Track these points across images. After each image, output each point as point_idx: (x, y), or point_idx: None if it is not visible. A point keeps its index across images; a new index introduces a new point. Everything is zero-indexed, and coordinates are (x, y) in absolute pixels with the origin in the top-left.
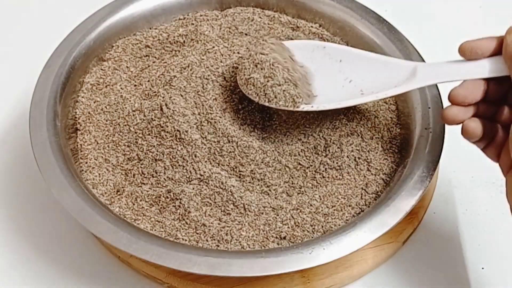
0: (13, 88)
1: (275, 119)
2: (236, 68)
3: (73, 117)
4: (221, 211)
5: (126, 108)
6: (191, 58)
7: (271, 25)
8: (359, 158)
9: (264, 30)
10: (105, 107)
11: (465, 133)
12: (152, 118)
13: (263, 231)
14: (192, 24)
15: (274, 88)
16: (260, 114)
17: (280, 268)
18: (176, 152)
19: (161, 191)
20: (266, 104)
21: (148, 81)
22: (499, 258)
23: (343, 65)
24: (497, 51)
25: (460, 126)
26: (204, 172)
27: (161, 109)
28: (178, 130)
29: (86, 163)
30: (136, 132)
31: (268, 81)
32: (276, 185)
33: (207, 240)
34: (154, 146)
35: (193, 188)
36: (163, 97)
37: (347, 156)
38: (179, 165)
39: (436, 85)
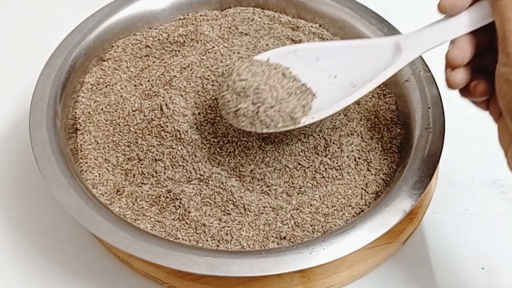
0: (13, 88)
1: None
2: (216, 100)
3: (73, 117)
4: (221, 211)
5: (126, 108)
6: (191, 58)
7: (271, 25)
8: (359, 158)
9: (264, 30)
10: (105, 107)
11: (475, 95)
12: (152, 118)
13: (263, 231)
14: (192, 24)
15: (267, 112)
16: None
17: (280, 268)
18: (176, 152)
19: (161, 191)
20: (265, 130)
21: (148, 81)
22: (499, 258)
23: (321, 62)
24: (475, 1)
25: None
26: (204, 172)
27: (161, 109)
28: (178, 130)
29: (86, 163)
30: (136, 132)
31: (259, 107)
32: (276, 185)
33: (207, 240)
34: (154, 146)
35: (193, 188)
36: (163, 97)
37: (347, 156)
38: (179, 165)
39: (436, 85)
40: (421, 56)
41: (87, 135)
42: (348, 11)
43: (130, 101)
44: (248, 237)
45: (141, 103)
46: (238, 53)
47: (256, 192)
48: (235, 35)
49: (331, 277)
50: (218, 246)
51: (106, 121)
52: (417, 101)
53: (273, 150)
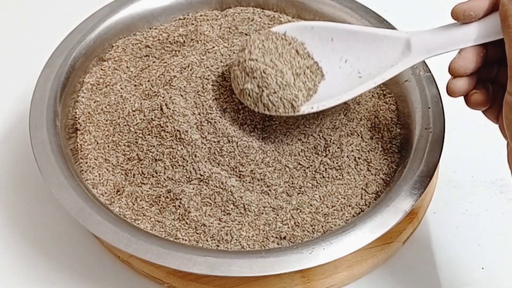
0: (13, 88)
1: (275, 119)
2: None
3: (73, 117)
4: (221, 211)
5: (126, 108)
6: (191, 58)
7: (271, 25)
8: (359, 158)
9: (264, 30)
10: (105, 107)
11: (473, 105)
12: (152, 118)
13: (263, 231)
14: (192, 24)
15: (270, 97)
16: (260, 114)
17: (280, 268)
18: (176, 152)
19: (161, 191)
20: (266, 112)
21: (148, 81)
22: (499, 258)
23: (336, 43)
24: (491, 10)
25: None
26: (204, 172)
27: (161, 109)
28: (178, 130)
29: (86, 163)
30: (136, 132)
31: (262, 90)
32: (276, 185)
33: (207, 240)
34: (154, 146)
35: (193, 188)
36: (163, 97)
37: (347, 156)
38: (179, 165)
39: (436, 85)
40: None
41: (87, 135)
42: (348, 11)
43: (130, 101)
44: (248, 237)
45: (141, 103)
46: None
47: (256, 192)
48: (235, 35)
49: (331, 277)
50: (218, 246)
51: (106, 121)
52: (417, 101)
53: (273, 150)
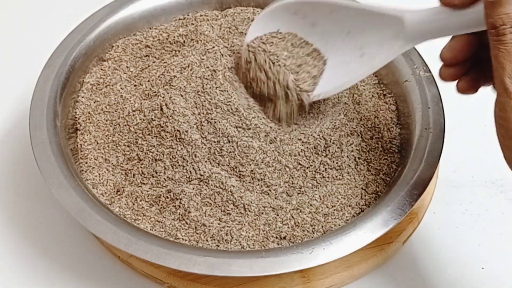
0: (13, 88)
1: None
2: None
3: (73, 117)
4: (221, 211)
5: (126, 108)
6: (191, 58)
7: None
8: (359, 158)
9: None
10: (105, 107)
11: (458, 91)
12: (152, 118)
13: (263, 231)
14: (192, 24)
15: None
16: (259, 113)
17: (280, 268)
18: (176, 152)
19: (161, 191)
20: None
21: (148, 81)
22: (499, 258)
23: (336, 15)
24: None
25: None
26: (204, 172)
27: (161, 109)
28: (178, 130)
29: (86, 163)
30: (136, 132)
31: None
32: (276, 185)
33: (207, 240)
34: (154, 146)
35: (193, 188)
36: (163, 97)
37: (347, 156)
38: (179, 165)
39: (436, 85)
40: (421, 56)
41: (87, 135)
42: None
43: (130, 101)
44: (248, 237)
45: (141, 103)
46: (238, 53)
47: (256, 192)
48: (235, 35)
49: (331, 277)
50: (218, 246)
51: (106, 121)
52: (417, 101)
53: (273, 150)
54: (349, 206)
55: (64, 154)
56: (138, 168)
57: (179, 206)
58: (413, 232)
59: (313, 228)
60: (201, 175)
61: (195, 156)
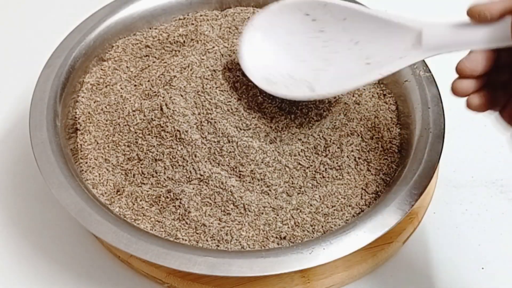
0: (13, 88)
1: (275, 119)
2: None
3: (73, 117)
4: (221, 211)
5: (126, 108)
6: (191, 58)
7: None
8: (359, 158)
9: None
10: (105, 107)
11: (468, 108)
12: (152, 118)
13: (263, 231)
14: (192, 24)
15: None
16: (260, 114)
17: (280, 268)
18: (176, 152)
19: (161, 191)
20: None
21: (148, 81)
22: (499, 258)
23: (348, 23)
24: (509, 12)
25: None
26: (204, 172)
27: (161, 109)
28: (178, 130)
29: (86, 163)
30: (136, 132)
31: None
32: (276, 185)
33: (207, 240)
34: (154, 146)
35: (193, 188)
36: (163, 97)
37: (347, 156)
38: (179, 165)
39: (436, 85)
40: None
41: (87, 135)
42: None
43: (130, 101)
44: (248, 237)
45: (141, 103)
46: (238, 53)
47: (256, 192)
48: (235, 35)
49: (331, 277)
50: (218, 246)
51: (106, 121)
52: (417, 101)
53: (273, 150)
54: (349, 206)
55: (64, 154)
56: (138, 168)
57: (179, 206)
58: (413, 232)
59: (313, 228)
60: (201, 175)
61: (195, 156)
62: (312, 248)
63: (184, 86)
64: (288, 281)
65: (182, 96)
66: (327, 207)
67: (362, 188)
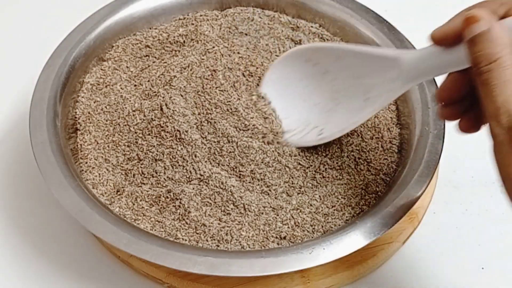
0: (13, 88)
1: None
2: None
3: (73, 117)
4: (221, 211)
5: (126, 108)
6: (191, 58)
7: (271, 25)
8: (359, 158)
9: (264, 30)
10: (105, 107)
11: (462, 131)
12: (152, 118)
13: (263, 231)
14: (192, 24)
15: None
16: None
17: (280, 268)
18: (176, 152)
19: (161, 191)
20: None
21: (148, 81)
22: (499, 258)
23: (343, 61)
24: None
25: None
26: (204, 172)
27: (161, 109)
28: (178, 130)
29: (86, 163)
30: (136, 132)
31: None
32: (276, 185)
33: (207, 240)
34: (154, 146)
35: (193, 188)
36: (163, 97)
37: (347, 156)
38: (179, 165)
39: (436, 85)
40: None
41: (87, 135)
42: (348, 11)
43: (130, 101)
44: (248, 237)
45: (141, 103)
46: (238, 53)
47: (256, 192)
48: (235, 35)
49: (331, 277)
50: (218, 246)
51: (106, 121)
52: (417, 101)
53: (273, 150)
54: (349, 206)
55: (64, 154)
56: (138, 168)
57: (179, 206)
58: (413, 232)
59: (313, 228)
60: (201, 175)
61: (195, 156)
62: (312, 248)
63: (184, 86)
64: (288, 281)
65: (182, 96)
66: (327, 207)
67: (362, 188)
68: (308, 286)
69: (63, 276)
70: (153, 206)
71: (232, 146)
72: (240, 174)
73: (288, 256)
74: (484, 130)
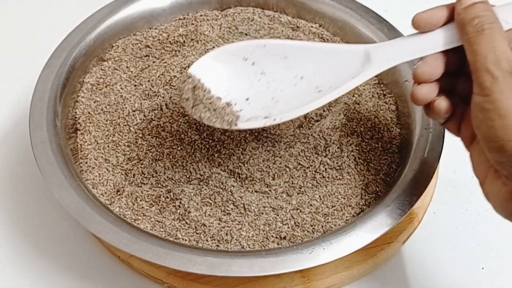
0: (13, 88)
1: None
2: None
3: (73, 117)
4: (221, 211)
5: (126, 108)
6: (191, 58)
7: (271, 25)
8: (359, 158)
9: (264, 30)
10: (105, 107)
11: (436, 112)
12: (152, 118)
13: (263, 231)
14: (192, 24)
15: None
16: None
17: (280, 268)
18: (176, 152)
19: (161, 191)
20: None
21: (148, 81)
22: (499, 258)
23: (290, 61)
24: (450, 19)
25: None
26: (204, 172)
27: (161, 109)
28: (178, 130)
29: (86, 163)
30: (136, 132)
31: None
32: (276, 185)
33: (207, 240)
34: (154, 146)
35: (193, 188)
36: (163, 97)
37: (347, 156)
38: (179, 165)
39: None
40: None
41: (87, 135)
42: (348, 11)
43: (130, 101)
44: (248, 237)
45: (141, 103)
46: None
47: (256, 192)
48: (235, 35)
49: (331, 277)
50: (218, 246)
51: (106, 121)
52: None
53: (273, 150)
54: (349, 206)
55: (64, 154)
56: (138, 168)
57: (179, 206)
58: (413, 232)
59: (313, 228)
60: (201, 175)
61: (195, 156)
62: (312, 248)
63: None
64: (288, 281)
65: None
66: (327, 207)
67: (362, 188)
68: (308, 286)
69: (63, 276)
70: (153, 206)
71: (232, 146)
72: (240, 174)
73: (288, 256)
74: None
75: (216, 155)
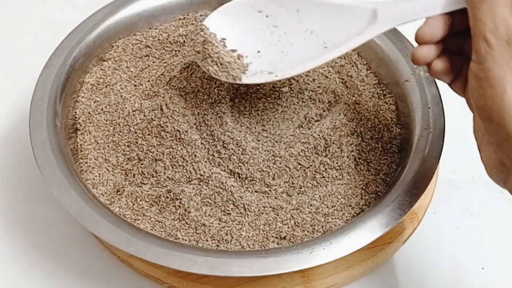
0: (13, 88)
1: (275, 120)
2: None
3: (73, 117)
4: (221, 211)
5: (126, 108)
6: (191, 58)
7: None
8: (359, 158)
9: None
10: (105, 107)
11: (433, 74)
12: (152, 118)
13: (263, 231)
14: (192, 24)
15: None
16: (261, 114)
17: (280, 268)
18: (176, 152)
19: (161, 191)
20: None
21: (148, 81)
22: (499, 258)
23: (301, 15)
24: None
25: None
26: (204, 172)
27: (161, 109)
28: (178, 130)
29: (86, 163)
30: (136, 132)
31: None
32: (276, 185)
33: (207, 240)
34: (154, 146)
35: (193, 188)
36: (163, 97)
37: (347, 156)
38: (179, 165)
39: (436, 85)
40: None
41: (87, 135)
42: None
43: (130, 101)
44: (248, 237)
45: (141, 103)
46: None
47: (256, 192)
48: None
49: (331, 277)
50: (218, 246)
51: (106, 121)
52: (417, 101)
53: (273, 150)
54: (349, 206)
55: (64, 154)
56: (138, 168)
57: (179, 206)
58: (413, 232)
59: (313, 228)
60: (201, 175)
61: (195, 156)
62: (312, 248)
63: (184, 86)
64: (288, 281)
65: (182, 96)
66: (327, 207)
67: (362, 188)
68: (308, 286)
69: (63, 276)
70: (153, 206)
71: (232, 146)
72: (240, 174)
73: (288, 256)
74: None
75: (216, 155)
